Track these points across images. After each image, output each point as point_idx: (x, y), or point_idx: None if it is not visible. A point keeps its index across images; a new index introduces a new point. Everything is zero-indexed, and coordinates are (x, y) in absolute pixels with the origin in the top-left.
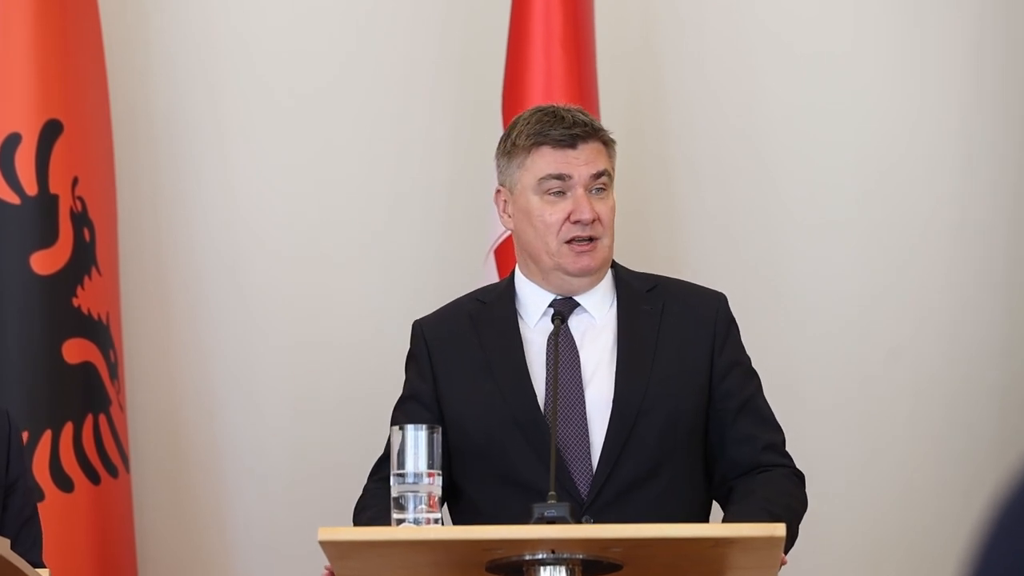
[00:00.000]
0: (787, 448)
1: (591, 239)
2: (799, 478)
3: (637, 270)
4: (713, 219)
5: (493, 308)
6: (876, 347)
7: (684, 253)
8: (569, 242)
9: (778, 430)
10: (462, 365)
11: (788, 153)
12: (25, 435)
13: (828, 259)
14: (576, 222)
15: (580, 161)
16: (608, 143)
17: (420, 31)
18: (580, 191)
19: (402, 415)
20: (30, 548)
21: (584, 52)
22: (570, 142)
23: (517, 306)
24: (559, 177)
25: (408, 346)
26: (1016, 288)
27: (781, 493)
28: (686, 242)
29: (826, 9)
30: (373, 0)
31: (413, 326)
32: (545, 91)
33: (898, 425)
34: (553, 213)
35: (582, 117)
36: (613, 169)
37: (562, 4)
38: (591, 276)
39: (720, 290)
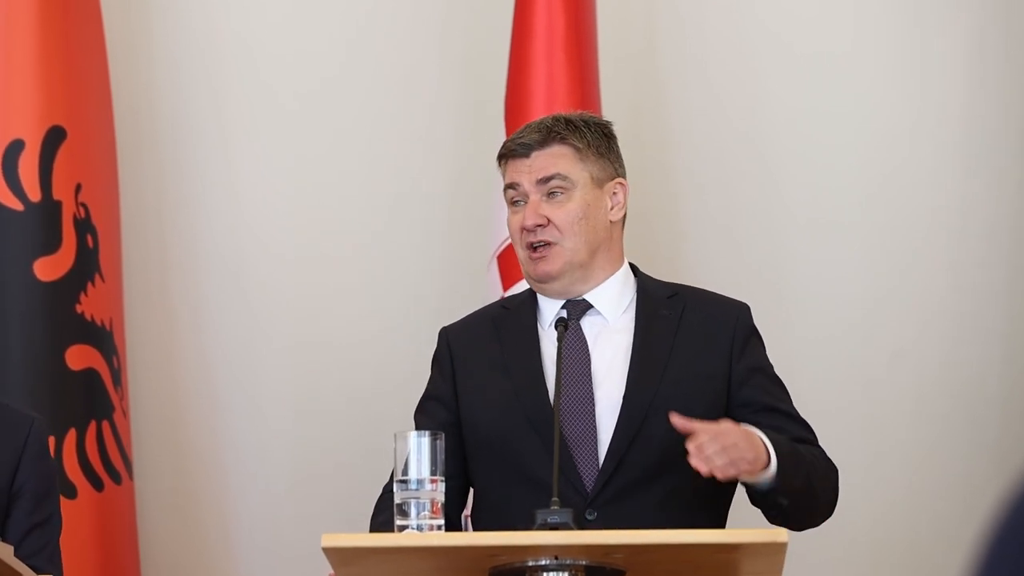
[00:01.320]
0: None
1: (545, 244)
2: (832, 465)
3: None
4: (715, 222)
5: (515, 313)
6: (879, 350)
7: (686, 256)
8: (527, 250)
9: (809, 430)
10: (481, 368)
11: (791, 156)
12: None
13: (831, 262)
14: (524, 229)
15: (531, 169)
16: (578, 147)
17: (421, 34)
18: (532, 198)
19: (421, 414)
20: (34, 554)
21: (586, 55)
22: (522, 151)
23: (537, 310)
24: (511, 187)
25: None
26: (1019, 292)
27: (807, 453)
28: (688, 245)
29: (828, 11)
30: (373, 1)
31: (439, 332)
32: (548, 95)
33: (900, 428)
34: (514, 223)
35: (548, 123)
36: (585, 172)
37: (564, 7)
38: (559, 281)
39: (721, 292)
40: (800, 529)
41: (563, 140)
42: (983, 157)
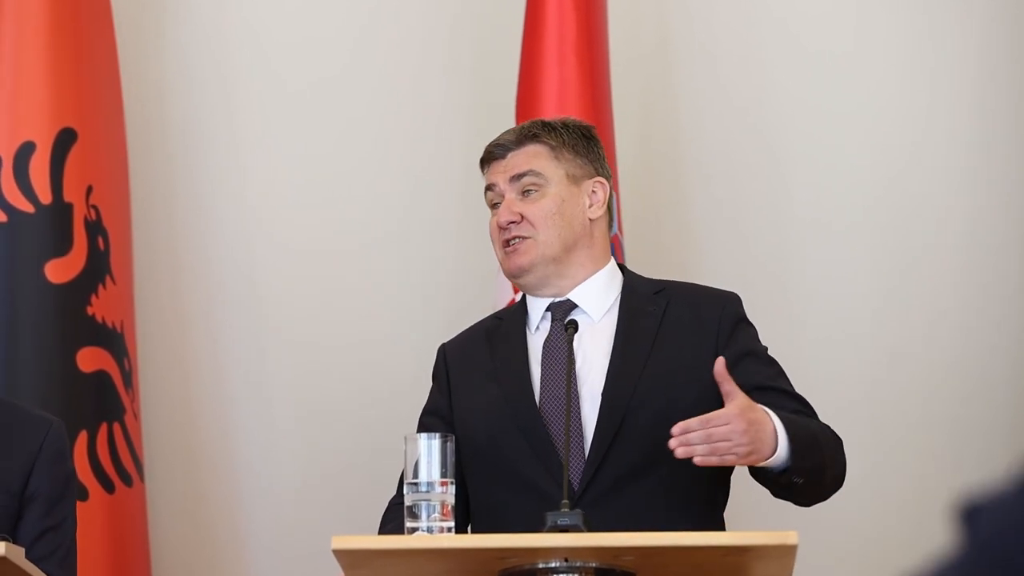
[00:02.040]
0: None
1: (517, 239)
2: (837, 437)
3: (649, 271)
4: (724, 217)
5: (506, 322)
6: (884, 350)
7: (695, 253)
8: (503, 247)
9: (806, 405)
10: (475, 380)
11: (800, 153)
12: None
13: (839, 260)
14: (500, 228)
15: (505, 169)
16: (552, 145)
17: (431, 33)
18: (507, 196)
19: (420, 428)
20: (44, 558)
21: (597, 53)
22: (499, 153)
23: (527, 317)
24: (489, 188)
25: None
26: None
27: (819, 430)
28: (697, 242)
29: (838, 9)
30: (386, 3)
31: (438, 349)
32: (559, 95)
33: (906, 428)
34: (492, 224)
35: (524, 125)
36: (559, 169)
37: (575, 5)
38: (533, 274)
39: (727, 286)
40: (807, 504)
41: (537, 139)
42: (992, 156)
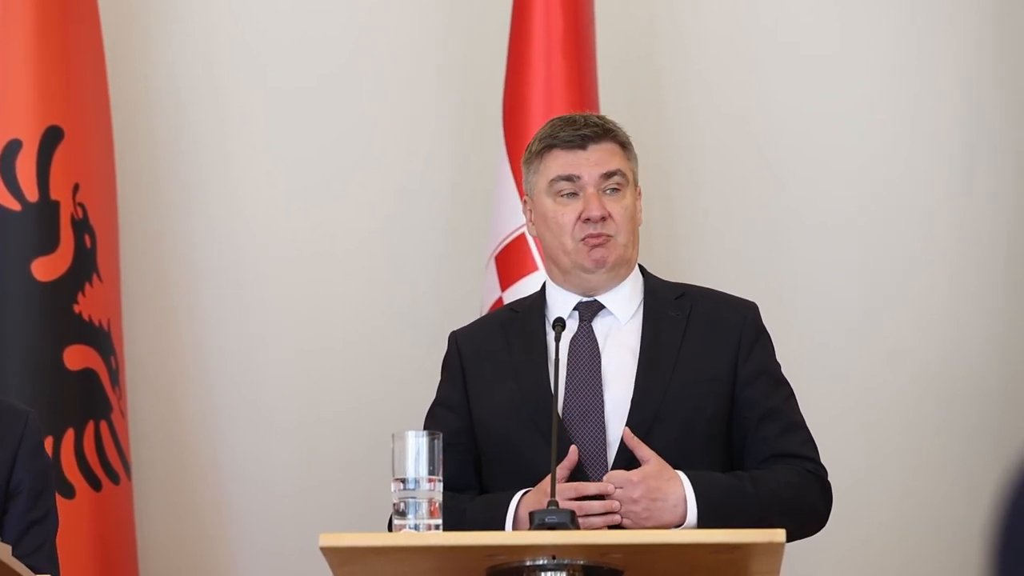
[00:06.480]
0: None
1: (602, 235)
2: (815, 477)
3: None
4: (714, 224)
5: (523, 316)
6: (877, 352)
7: (685, 259)
8: (584, 240)
9: (806, 441)
10: (490, 371)
11: (789, 158)
12: None
13: (829, 264)
14: (587, 220)
15: (590, 162)
16: (625, 144)
17: (422, 36)
18: (591, 190)
19: (431, 420)
20: (32, 553)
21: (585, 57)
22: (580, 143)
23: (546, 311)
24: (568, 178)
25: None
26: (1017, 291)
27: (770, 479)
28: (687, 248)
29: (827, 14)
30: (375, 4)
31: (449, 336)
32: (546, 99)
33: (899, 430)
34: (566, 214)
35: (595, 119)
36: (631, 170)
37: (563, 9)
38: (607, 271)
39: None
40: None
41: (614, 137)
42: (981, 159)
